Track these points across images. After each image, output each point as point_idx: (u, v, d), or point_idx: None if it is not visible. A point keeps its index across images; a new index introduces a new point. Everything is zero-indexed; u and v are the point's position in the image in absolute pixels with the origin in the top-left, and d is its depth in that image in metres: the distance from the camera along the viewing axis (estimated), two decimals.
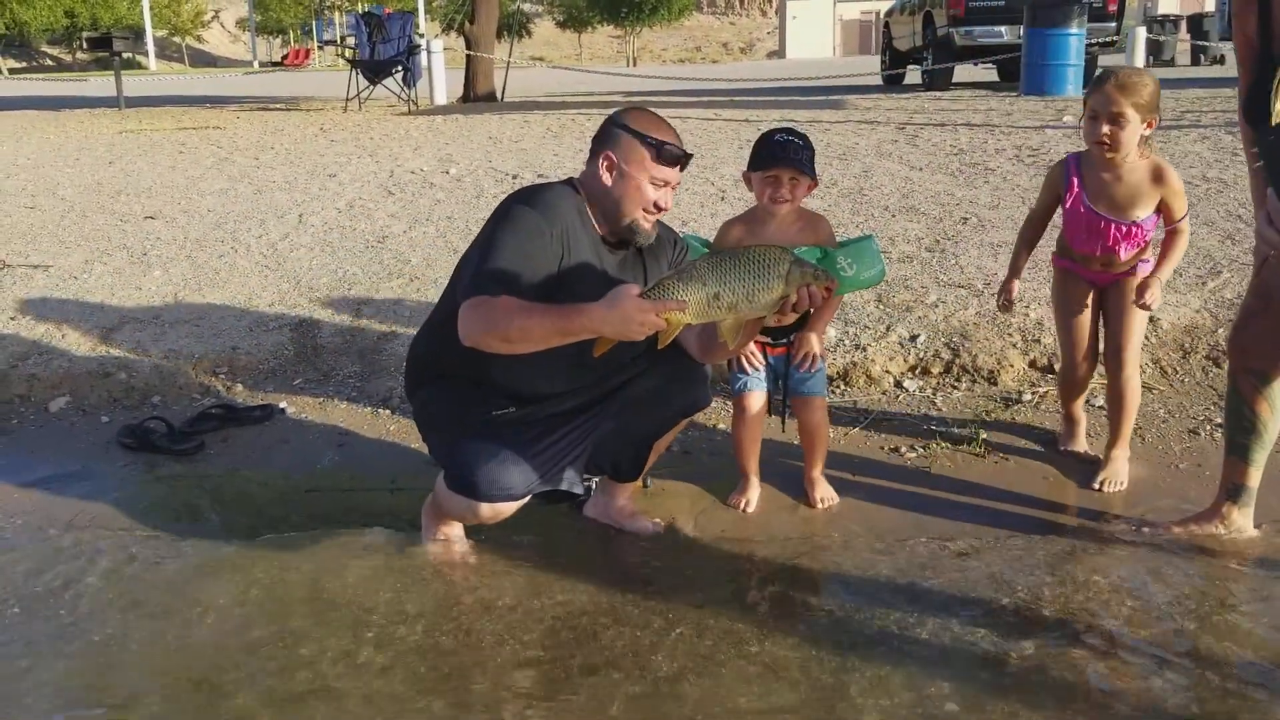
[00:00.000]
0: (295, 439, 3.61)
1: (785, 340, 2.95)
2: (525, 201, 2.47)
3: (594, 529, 2.95)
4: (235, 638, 2.40)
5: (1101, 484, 3.12)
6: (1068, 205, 3.08)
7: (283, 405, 3.84)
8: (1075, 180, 3.06)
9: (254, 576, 2.66)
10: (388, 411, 3.78)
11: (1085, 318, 3.19)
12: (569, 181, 2.60)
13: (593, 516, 2.98)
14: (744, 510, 3.01)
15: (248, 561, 2.75)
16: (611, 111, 2.65)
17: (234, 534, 2.93)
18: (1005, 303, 3.27)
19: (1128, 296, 3.06)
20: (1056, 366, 3.74)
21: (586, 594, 2.55)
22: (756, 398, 2.98)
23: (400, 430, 3.64)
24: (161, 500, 3.17)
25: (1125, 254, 3.05)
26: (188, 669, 2.28)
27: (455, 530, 2.78)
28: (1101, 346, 3.23)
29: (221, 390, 3.99)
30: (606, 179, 2.49)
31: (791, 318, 2.33)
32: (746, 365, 2.95)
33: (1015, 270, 3.28)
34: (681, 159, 2.52)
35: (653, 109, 2.69)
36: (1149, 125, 2.90)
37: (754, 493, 3.05)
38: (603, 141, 2.53)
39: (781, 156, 2.77)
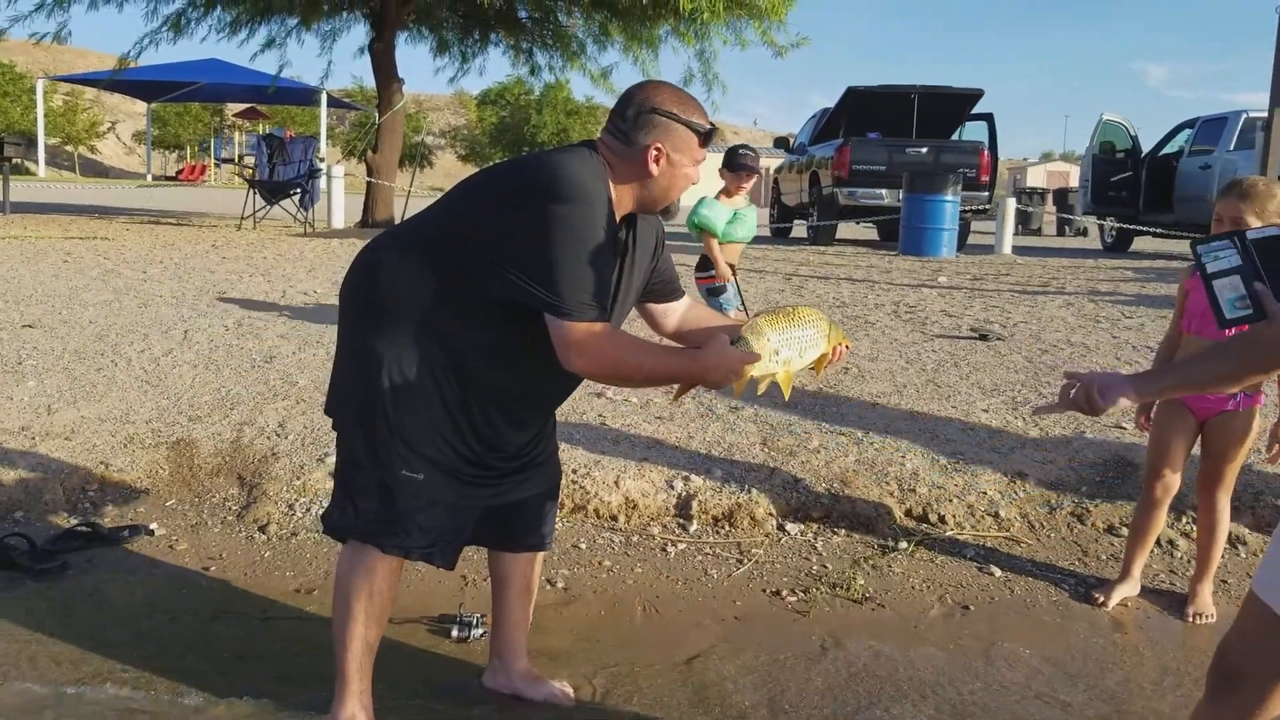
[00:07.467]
0: (163, 562, 3.48)
1: None
2: (575, 198, 2.23)
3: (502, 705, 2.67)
4: None
5: (1193, 617, 3.30)
6: (1190, 299, 3.17)
7: (153, 526, 3.71)
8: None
9: None
10: (264, 538, 3.68)
11: (1181, 449, 3.31)
12: (594, 152, 2.36)
13: (493, 688, 2.73)
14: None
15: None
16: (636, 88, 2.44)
17: (80, 670, 2.78)
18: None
19: (1233, 434, 3.21)
20: (931, 515, 3.87)
21: None
22: None
23: (275, 558, 3.54)
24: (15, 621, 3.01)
25: None
26: None
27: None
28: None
29: (90, 508, 3.83)
30: (654, 169, 2.36)
31: (820, 373, 2.53)
32: None
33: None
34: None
35: None
36: None
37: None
38: (646, 129, 2.35)
39: (750, 165, 5.64)
